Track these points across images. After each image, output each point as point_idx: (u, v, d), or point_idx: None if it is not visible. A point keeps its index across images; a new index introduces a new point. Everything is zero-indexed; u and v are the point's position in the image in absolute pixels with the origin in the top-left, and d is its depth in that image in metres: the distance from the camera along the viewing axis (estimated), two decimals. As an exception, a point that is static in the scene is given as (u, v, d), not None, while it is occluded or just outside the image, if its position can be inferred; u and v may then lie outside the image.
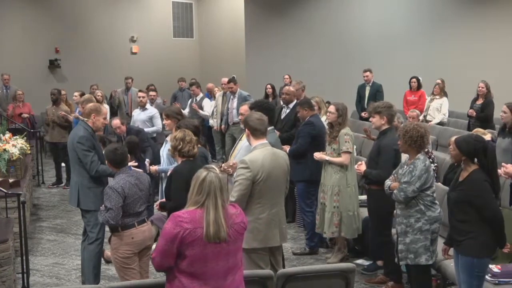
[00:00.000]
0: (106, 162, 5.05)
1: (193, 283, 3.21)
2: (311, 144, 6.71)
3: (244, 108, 6.09)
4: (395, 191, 4.98)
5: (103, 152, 5.15)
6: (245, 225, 3.37)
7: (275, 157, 4.71)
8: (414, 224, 4.93)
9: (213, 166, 3.37)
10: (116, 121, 7.94)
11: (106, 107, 10.51)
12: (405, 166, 5.04)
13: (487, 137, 6.82)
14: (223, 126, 10.99)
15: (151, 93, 11.03)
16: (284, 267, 5.12)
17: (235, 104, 10.65)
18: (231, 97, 10.80)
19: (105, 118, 5.84)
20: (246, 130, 4.79)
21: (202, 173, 3.27)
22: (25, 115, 11.69)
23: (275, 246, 4.79)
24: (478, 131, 7.04)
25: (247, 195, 4.56)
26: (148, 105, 9.60)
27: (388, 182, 5.17)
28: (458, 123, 11.20)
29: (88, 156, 5.53)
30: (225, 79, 11.32)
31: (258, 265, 4.63)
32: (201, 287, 3.21)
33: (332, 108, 6.37)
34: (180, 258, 3.21)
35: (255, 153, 4.66)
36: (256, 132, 4.72)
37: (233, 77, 11.31)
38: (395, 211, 5.23)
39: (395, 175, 5.15)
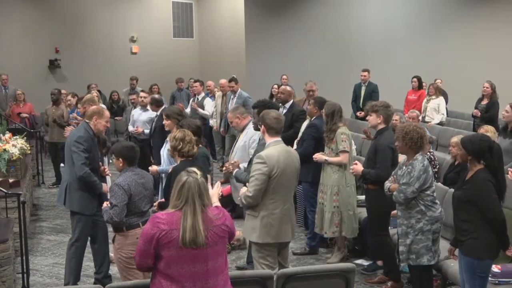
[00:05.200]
0: (120, 158, 4.91)
1: (172, 285, 3.22)
2: (315, 146, 6.72)
3: (229, 115, 6.43)
4: (394, 193, 4.97)
5: (116, 147, 5.03)
6: (227, 227, 3.35)
7: (288, 155, 4.80)
8: (415, 225, 4.93)
9: (195, 170, 3.33)
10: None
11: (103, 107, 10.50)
12: (404, 167, 5.03)
13: (495, 138, 6.82)
14: (222, 130, 10.94)
15: (142, 93, 9.81)
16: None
17: (234, 104, 10.62)
18: (232, 96, 10.78)
19: (107, 122, 5.79)
20: (262, 126, 4.87)
21: (182, 177, 3.27)
22: (24, 115, 11.68)
23: (284, 243, 4.86)
24: (483, 129, 7.04)
25: (263, 190, 4.62)
26: (149, 106, 9.47)
27: (387, 184, 5.17)
28: (458, 123, 11.20)
29: (80, 157, 5.48)
30: (223, 81, 11.30)
31: (267, 260, 4.71)
32: None
33: (323, 110, 6.46)
34: (158, 259, 3.24)
35: (271, 149, 4.73)
36: (271, 131, 4.80)
37: (233, 77, 11.28)
38: (397, 212, 5.22)
39: (394, 176, 5.15)
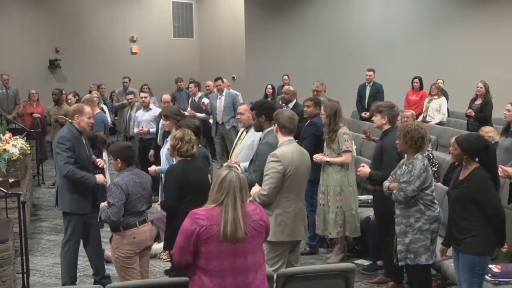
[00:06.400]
0: (117, 158, 4.91)
1: (213, 280, 3.23)
2: (315, 144, 6.72)
3: (243, 107, 6.11)
4: (394, 191, 4.97)
5: (113, 148, 5.03)
6: (264, 222, 3.39)
7: (301, 153, 4.85)
8: (414, 224, 4.93)
9: (236, 166, 3.39)
10: None
11: (104, 108, 10.51)
12: (404, 167, 5.04)
13: (492, 137, 6.82)
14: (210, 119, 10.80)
15: (142, 94, 9.99)
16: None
17: (222, 103, 10.64)
18: (219, 95, 10.76)
19: (89, 118, 5.71)
20: (275, 125, 4.90)
21: (223, 171, 3.31)
22: (37, 115, 11.70)
23: (296, 241, 4.90)
24: (483, 130, 7.04)
25: (278, 188, 4.65)
26: (152, 105, 9.50)
27: (386, 183, 5.17)
28: (458, 123, 11.20)
29: (62, 157, 5.42)
30: (224, 80, 11.33)
31: (279, 258, 4.74)
32: (220, 284, 3.24)
33: (322, 110, 6.46)
34: (197, 255, 3.25)
35: (285, 148, 4.77)
36: (284, 130, 4.85)
37: (233, 77, 11.30)
38: (395, 211, 5.21)
39: (393, 175, 5.15)
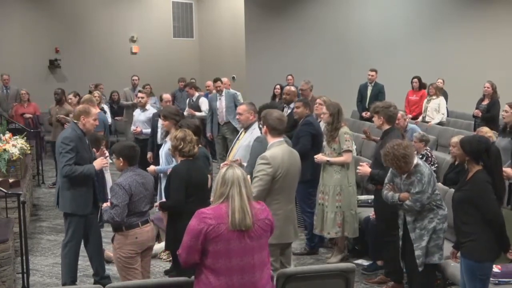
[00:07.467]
0: (120, 157, 4.90)
1: (220, 279, 3.24)
2: (313, 143, 6.71)
3: (242, 108, 6.10)
4: (408, 203, 4.91)
5: (116, 147, 5.03)
6: (270, 221, 3.42)
7: (292, 155, 4.81)
8: (428, 225, 4.94)
9: (237, 166, 3.42)
10: None
11: (104, 107, 10.51)
12: (403, 176, 5.00)
13: (492, 137, 6.82)
14: (209, 134, 10.78)
15: (140, 94, 9.72)
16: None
17: (223, 104, 10.64)
18: (218, 96, 10.76)
19: (95, 119, 5.71)
20: (264, 127, 4.85)
21: (223, 169, 3.36)
22: (27, 115, 11.67)
23: (286, 244, 4.87)
24: (481, 131, 7.03)
25: (267, 191, 4.62)
26: (148, 106, 9.48)
27: (390, 193, 5.09)
28: (458, 123, 11.20)
29: (64, 157, 5.40)
30: (226, 79, 11.34)
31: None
32: (227, 283, 3.24)
33: (323, 109, 6.45)
34: (205, 254, 3.25)
35: (275, 150, 4.73)
36: (274, 131, 4.80)
37: (233, 77, 11.31)
38: (404, 217, 5.09)
39: (391, 184, 5.13)
